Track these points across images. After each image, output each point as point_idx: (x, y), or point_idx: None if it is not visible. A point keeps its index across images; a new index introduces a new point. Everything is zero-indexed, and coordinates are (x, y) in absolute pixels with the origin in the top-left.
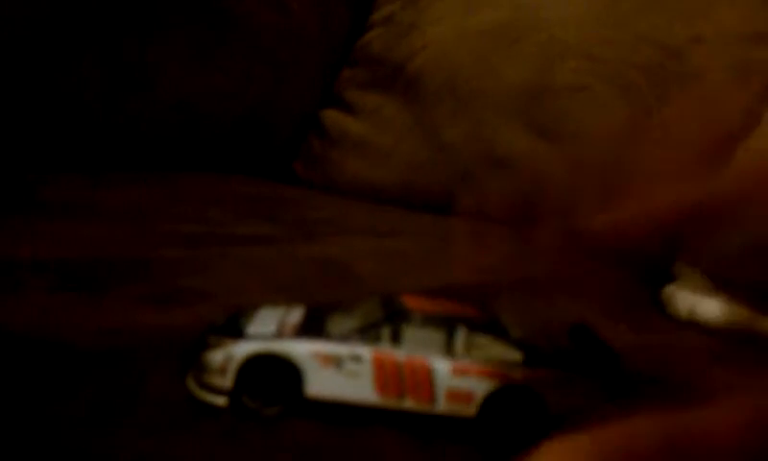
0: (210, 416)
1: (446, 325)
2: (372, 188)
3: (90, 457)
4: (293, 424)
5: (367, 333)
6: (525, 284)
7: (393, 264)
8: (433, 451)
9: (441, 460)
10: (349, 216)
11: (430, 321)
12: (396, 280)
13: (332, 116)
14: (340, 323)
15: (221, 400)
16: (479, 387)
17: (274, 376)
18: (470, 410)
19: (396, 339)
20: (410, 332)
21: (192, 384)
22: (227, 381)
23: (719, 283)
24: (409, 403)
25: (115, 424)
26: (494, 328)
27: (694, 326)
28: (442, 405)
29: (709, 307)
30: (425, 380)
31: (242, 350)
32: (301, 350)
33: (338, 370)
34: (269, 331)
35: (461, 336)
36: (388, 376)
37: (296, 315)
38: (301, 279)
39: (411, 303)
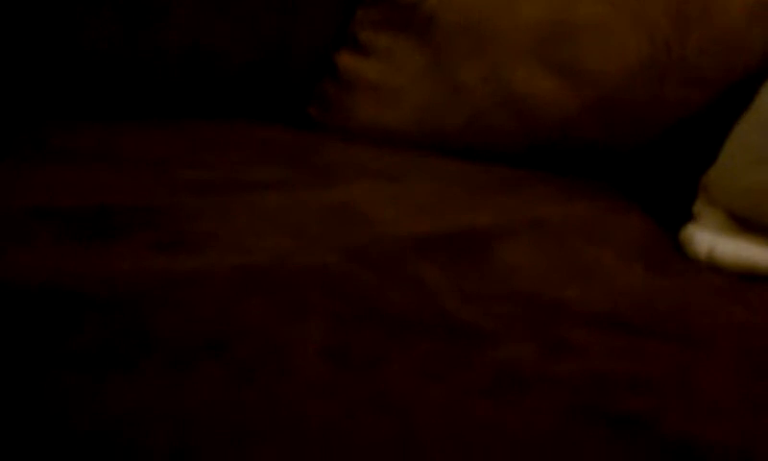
0: (217, 358)
1: None
2: (386, 131)
3: (98, 398)
4: (305, 365)
5: None
6: (538, 227)
7: (407, 208)
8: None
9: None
10: (364, 160)
11: None
12: (411, 225)
13: (346, 58)
14: None
15: None
16: None
17: None
18: None
19: None
20: None
21: None
22: None
23: (740, 223)
24: None
25: (122, 368)
26: None
27: (713, 267)
28: None
29: (729, 248)
30: None
31: None
32: None
33: None
34: None
35: None
36: None
37: None
38: (314, 224)
39: None
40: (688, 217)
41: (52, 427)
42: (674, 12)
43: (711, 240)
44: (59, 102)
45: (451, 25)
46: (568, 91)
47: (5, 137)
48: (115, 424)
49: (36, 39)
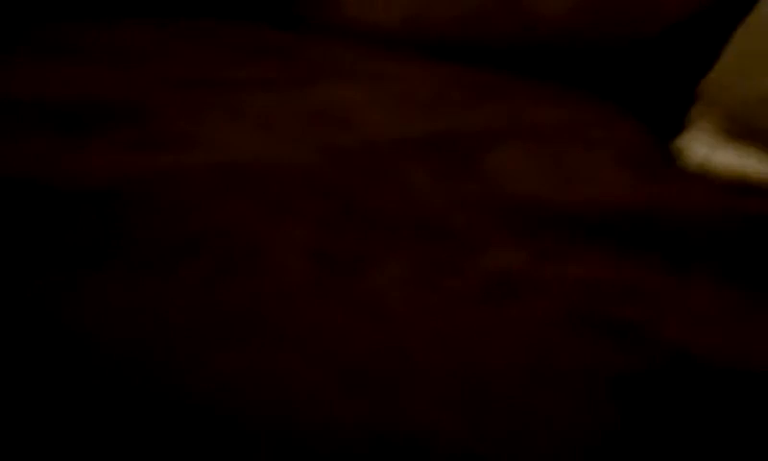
0: (196, 258)
1: None
2: (374, 29)
3: (72, 296)
4: (288, 267)
5: None
6: (529, 132)
7: (395, 110)
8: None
9: None
10: (350, 61)
11: None
12: (399, 127)
13: None
14: None
15: None
16: None
17: None
18: None
19: None
20: None
21: None
22: None
23: (734, 133)
24: None
25: (102, 265)
26: None
27: (706, 177)
28: None
29: (723, 158)
30: None
31: None
32: None
33: None
34: None
35: None
36: None
37: None
38: (298, 124)
39: None
40: (682, 126)
41: (24, 325)
42: None
43: (705, 149)
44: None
45: None
46: None
47: None
48: (89, 323)
49: None
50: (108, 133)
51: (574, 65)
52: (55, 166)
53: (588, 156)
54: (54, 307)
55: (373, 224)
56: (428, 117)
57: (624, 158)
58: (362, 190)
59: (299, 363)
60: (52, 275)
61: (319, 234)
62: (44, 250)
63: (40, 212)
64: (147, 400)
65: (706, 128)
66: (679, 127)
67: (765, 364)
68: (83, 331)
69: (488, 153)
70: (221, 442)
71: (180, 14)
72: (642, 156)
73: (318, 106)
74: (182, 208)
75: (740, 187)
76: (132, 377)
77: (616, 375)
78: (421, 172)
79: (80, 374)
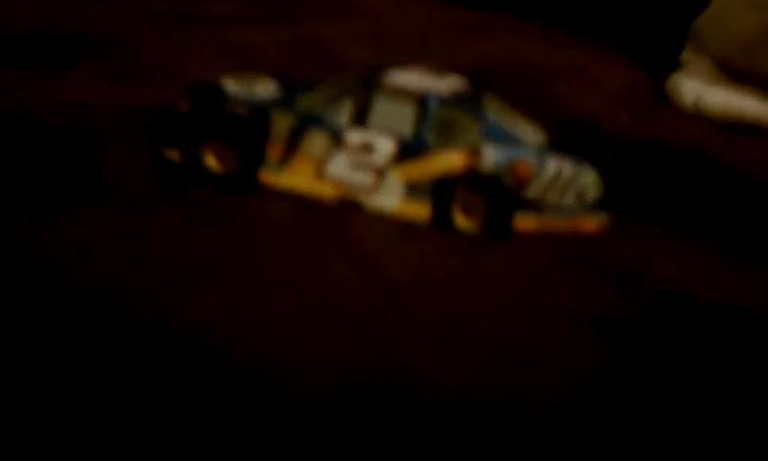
0: (175, 199)
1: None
2: None
3: (47, 233)
4: (270, 210)
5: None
6: (525, 71)
7: (383, 47)
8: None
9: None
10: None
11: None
12: (384, 62)
13: None
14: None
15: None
16: None
17: None
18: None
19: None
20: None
21: None
22: None
23: (729, 73)
24: None
25: (71, 205)
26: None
27: (699, 116)
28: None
29: (717, 98)
30: None
31: None
32: None
33: None
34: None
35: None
36: None
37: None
38: (281, 58)
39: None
40: (676, 65)
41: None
42: None
43: (699, 89)
44: None
45: None
46: None
47: None
48: (63, 264)
49: None
50: (84, 65)
51: (569, 5)
52: (32, 100)
53: (583, 93)
54: (26, 248)
55: None
56: (419, 54)
57: (617, 98)
58: None
59: (284, 303)
60: (25, 212)
61: None
62: (18, 188)
63: (15, 147)
64: (129, 338)
65: (699, 68)
66: (674, 65)
67: (740, 301)
68: (58, 272)
69: (481, 92)
70: (211, 378)
71: None
72: (636, 95)
73: (302, 41)
74: None
75: (732, 126)
76: (113, 316)
77: (607, 314)
78: None
79: (57, 312)
